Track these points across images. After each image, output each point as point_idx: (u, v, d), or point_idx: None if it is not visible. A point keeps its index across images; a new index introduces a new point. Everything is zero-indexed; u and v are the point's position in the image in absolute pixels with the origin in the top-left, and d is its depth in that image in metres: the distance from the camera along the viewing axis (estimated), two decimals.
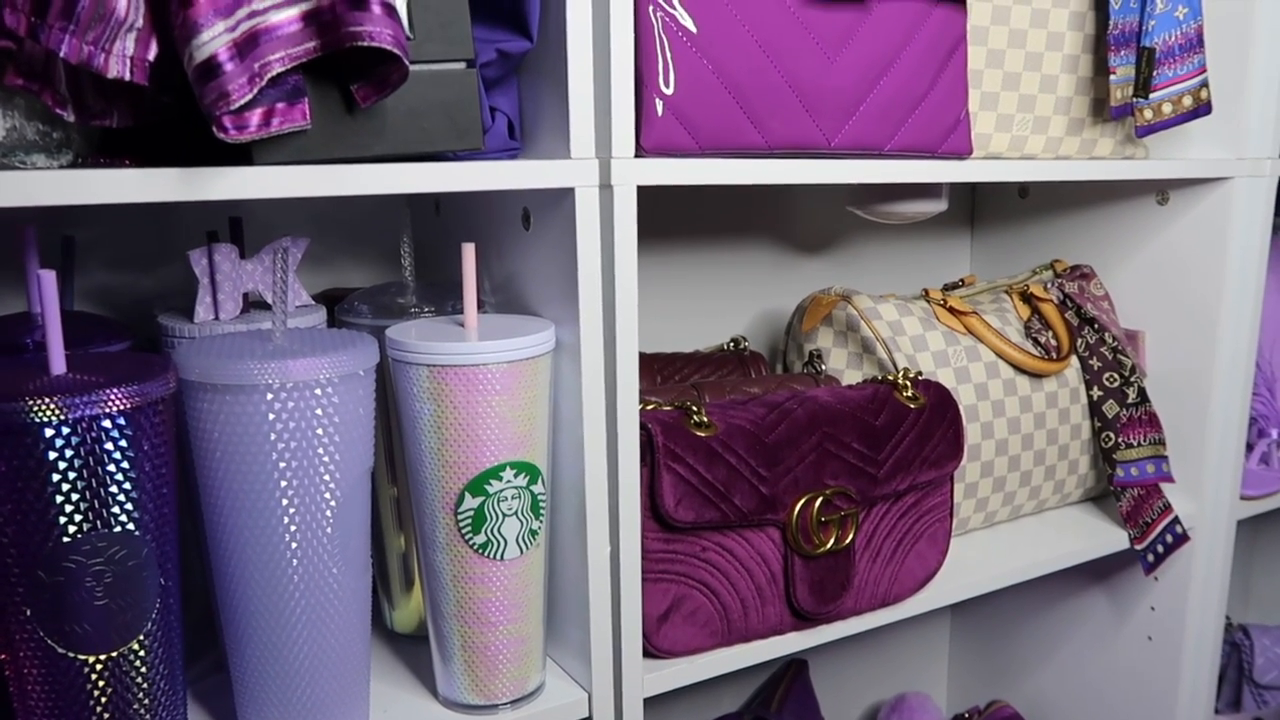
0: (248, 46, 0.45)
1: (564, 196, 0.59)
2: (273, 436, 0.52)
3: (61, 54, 0.44)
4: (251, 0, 0.45)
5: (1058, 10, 0.82)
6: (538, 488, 0.61)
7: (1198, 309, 0.94)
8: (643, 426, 0.65)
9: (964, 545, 0.89)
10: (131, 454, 0.48)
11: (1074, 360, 0.92)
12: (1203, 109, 0.83)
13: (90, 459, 0.47)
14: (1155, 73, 0.81)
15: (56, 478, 0.46)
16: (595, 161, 0.59)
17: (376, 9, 0.46)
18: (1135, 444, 0.92)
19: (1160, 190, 0.95)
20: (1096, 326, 0.93)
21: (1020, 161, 0.82)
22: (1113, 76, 0.81)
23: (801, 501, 0.70)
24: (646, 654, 0.68)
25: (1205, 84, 0.83)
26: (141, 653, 0.50)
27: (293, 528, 0.54)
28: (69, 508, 0.47)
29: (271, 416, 0.52)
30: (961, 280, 0.96)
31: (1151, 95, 0.82)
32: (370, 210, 0.83)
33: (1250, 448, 1.06)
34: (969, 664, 1.26)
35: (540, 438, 0.61)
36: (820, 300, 0.89)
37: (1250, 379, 0.95)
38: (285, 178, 0.50)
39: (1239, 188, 0.89)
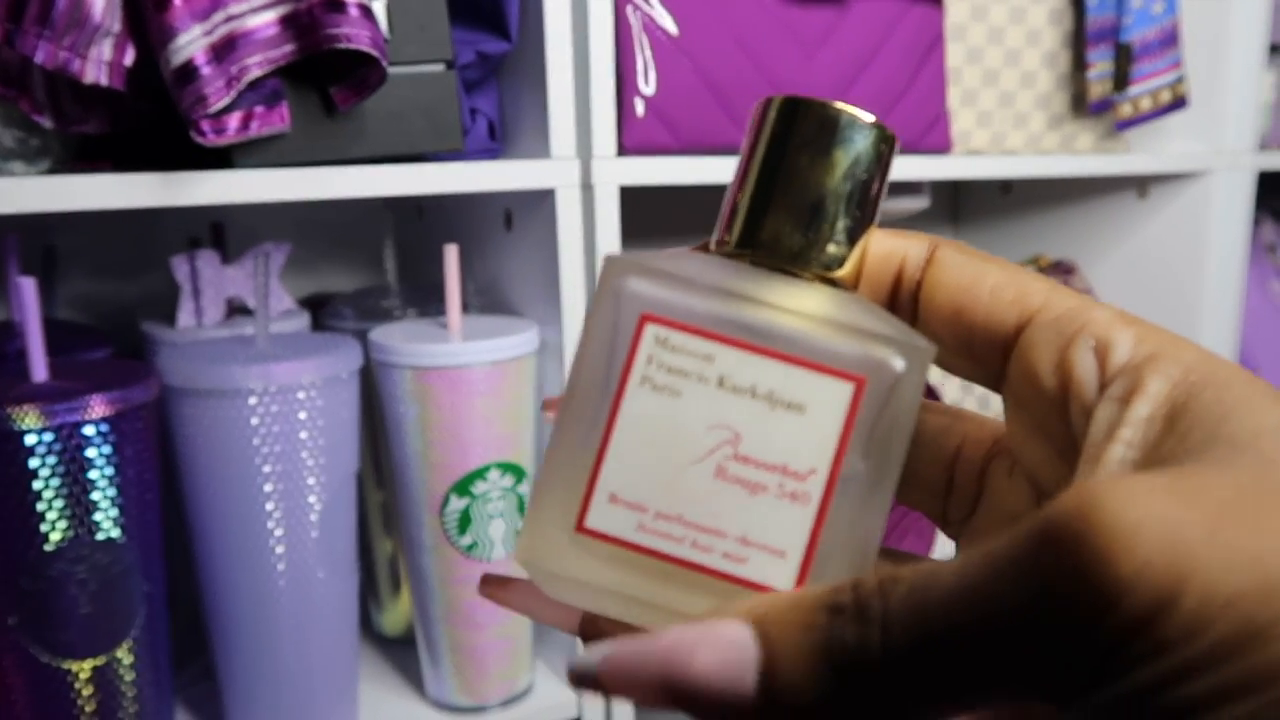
0: (225, 50, 0.45)
1: (545, 197, 0.59)
2: (256, 441, 0.52)
3: (37, 59, 0.44)
4: (228, 4, 0.45)
5: (1036, 7, 0.82)
6: (524, 488, 0.61)
7: (1179, 302, 0.95)
8: None
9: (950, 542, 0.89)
10: (114, 460, 0.48)
11: None
12: (1179, 103, 0.84)
13: (72, 466, 0.47)
14: (1133, 68, 0.82)
15: (39, 485, 0.46)
16: (576, 161, 0.59)
17: (354, 11, 0.46)
18: None
19: (1140, 184, 0.96)
20: None
21: (1001, 157, 0.83)
22: (1091, 72, 0.82)
23: None
24: None
25: (1182, 78, 0.84)
26: (127, 660, 0.50)
27: (278, 531, 0.54)
28: (51, 515, 0.47)
29: (255, 421, 0.52)
30: None
31: (1130, 90, 0.83)
32: (353, 215, 0.83)
33: None
34: None
35: (525, 438, 0.61)
36: None
37: None
38: (266, 181, 0.50)
39: (1218, 181, 0.90)
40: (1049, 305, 0.19)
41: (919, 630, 0.14)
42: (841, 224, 0.20)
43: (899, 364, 0.18)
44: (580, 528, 0.19)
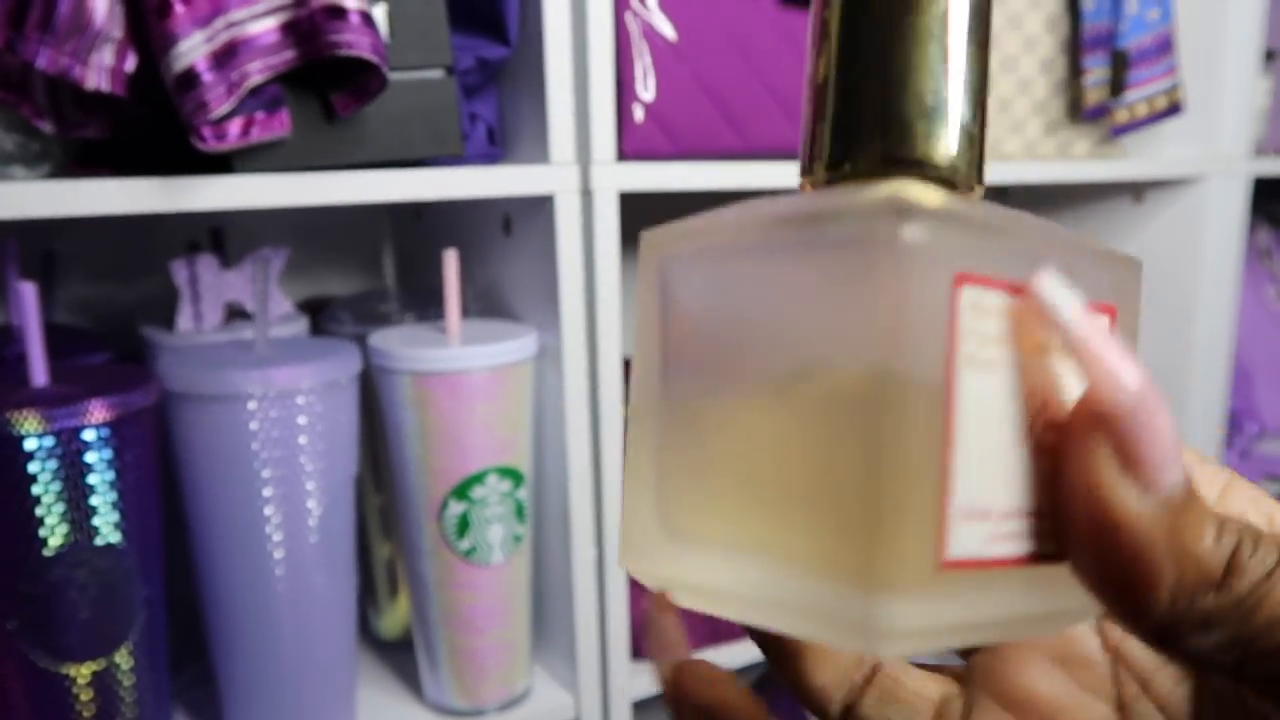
0: (226, 57, 0.45)
1: (544, 202, 0.60)
2: (255, 445, 0.52)
3: (39, 65, 0.44)
4: (229, 11, 0.45)
5: (1033, 14, 0.82)
6: (522, 492, 0.61)
7: (1174, 307, 0.95)
8: None
9: None
10: (114, 465, 0.48)
11: None
12: (1175, 109, 0.84)
13: (72, 471, 0.47)
14: (1129, 74, 0.82)
15: (38, 490, 0.46)
16: (575, 167, 0.59)
17: (354, 18, 0.46)
18: None
19: (1136, 190, 0.97)
20: None
21: (997, 163, 0.83)
22: (1087, 78, 0.82)
23: None
24: (636, 656, 0.68)
25: (1178, 84, 0.84)
26: (126, 664, 0.50)
27: (277, 536, 0.54)
28: (51, 520, 0.47)
29: (254, 425, 0.52)
30: None
31: (1126, 96, 0.83)
32: (352, 219, 0.83)
33: (1229, 443, 1.07)
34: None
35: (524, 443, 0.61)
36: None
37: (1228, 375, 0.96)
38: (266, 187, 0.51)
39: (1213, 186, 0.90)
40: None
41: None
42: (969, 118, 0.17)
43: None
44: (945, 561, 0.15)
